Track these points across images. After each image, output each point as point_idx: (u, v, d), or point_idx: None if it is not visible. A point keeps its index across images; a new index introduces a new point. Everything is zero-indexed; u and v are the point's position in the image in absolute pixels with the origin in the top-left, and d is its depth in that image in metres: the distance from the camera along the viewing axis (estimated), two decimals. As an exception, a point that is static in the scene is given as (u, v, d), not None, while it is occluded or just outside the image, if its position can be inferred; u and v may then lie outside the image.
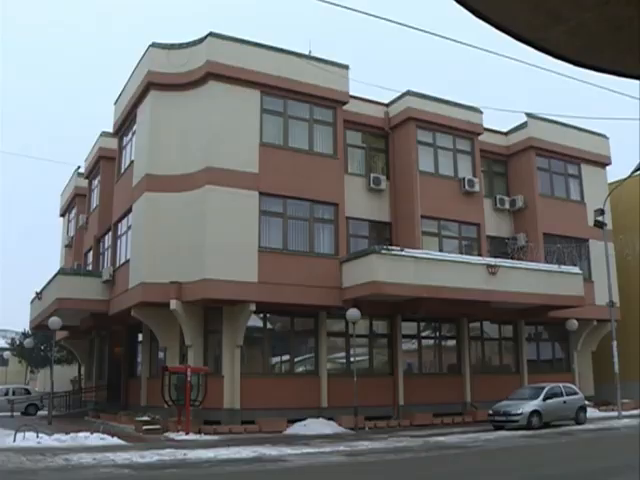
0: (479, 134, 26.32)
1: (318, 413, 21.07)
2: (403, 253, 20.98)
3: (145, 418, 20.51)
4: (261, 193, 21.21)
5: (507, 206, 27.82)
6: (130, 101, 23.96)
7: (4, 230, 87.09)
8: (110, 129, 27.46)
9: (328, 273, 21.56)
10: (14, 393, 32.95)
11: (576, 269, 25.08)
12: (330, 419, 20.72)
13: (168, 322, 21.35)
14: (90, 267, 30.20)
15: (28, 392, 34.51)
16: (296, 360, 22.75)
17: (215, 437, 18.34)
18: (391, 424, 21.93)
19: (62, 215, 37.98)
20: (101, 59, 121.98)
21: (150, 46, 22.33)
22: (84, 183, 32.19)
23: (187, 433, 18.38)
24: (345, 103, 23.38)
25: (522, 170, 28.27)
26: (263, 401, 20.54)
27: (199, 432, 18.86)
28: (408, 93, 25.03)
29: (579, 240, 28.43)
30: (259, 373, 21.53)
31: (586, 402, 22.74)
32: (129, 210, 23.49)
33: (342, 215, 22.62)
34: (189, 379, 19.06)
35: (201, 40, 21.56)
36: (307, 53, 23.07)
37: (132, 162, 23.63)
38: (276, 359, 22.81)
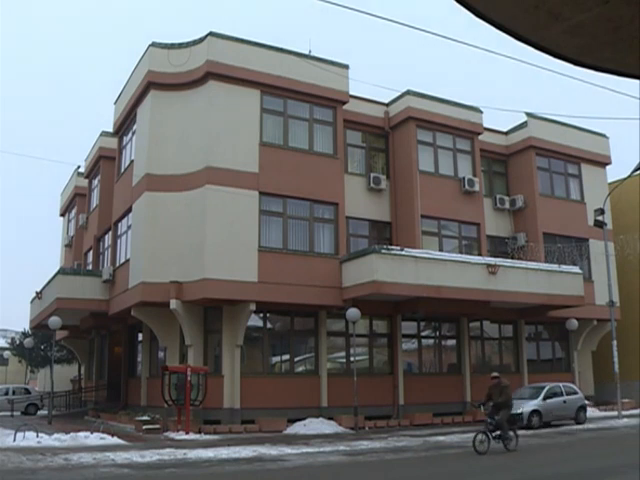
0: (479, 134, 26.32)
1: (318, 413, 21.08)
2: (403, 253, 20.99)
3: (145, 418, 20.53)
4: (261, 193, 21.22)
5: (507, 206, 27.82)
6: (130, 101, 23.96)
7: (4, 230, 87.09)
8: (110, 129, 27.49)
9: (328, 273, 21.56)
10: (14, 393, 32.94)
11: (576, 269, 25.08)
12: (330, 419, 20.72)
13: (168, 322, 21.37)
14: (90, 267, 30.20)
15: (28, 392, 34.51)
16: (296, 360, 22.75)
17: (215, 437, 18.34)
18: (391, 424, 21.93)
19: (62, 215, 37.99)
20: (101, 59, 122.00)
21: (150, 46, 22.33)
22: (84, 183, 32.20)
23: (187, 433, 18.38)
24: (345, 103, 23.38)
25: (522, 170, 28.28)
26: (263, 401, 20.55)
27: (199, 432, 18.86)
28: (408, 93, 25.03)
29: (579, 240, 28.43)
30: (259, 373, 21.53)
31: (586, 402, 22.74)
32: (129, 210, 23.49)
33: (342, 215, 22.62)
34: (189, 379, 19.06)
35: (201, 40, 21.56)
36: (307, 53, 23.07)
37: (132, 162, 23.63)
38: (276, 359, 22.81)
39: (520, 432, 18.93)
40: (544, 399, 20.87)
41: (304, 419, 20.32)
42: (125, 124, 25.29)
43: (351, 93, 23.56)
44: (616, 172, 31.22)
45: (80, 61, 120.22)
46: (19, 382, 41.67)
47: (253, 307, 20.29)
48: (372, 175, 24.52)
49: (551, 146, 28.33)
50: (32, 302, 31.53)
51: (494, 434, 13.98)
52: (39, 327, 30.52)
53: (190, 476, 11.76)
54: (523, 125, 28.51)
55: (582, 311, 25.73)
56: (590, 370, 29.18)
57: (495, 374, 15.52)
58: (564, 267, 24.72)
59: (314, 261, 21.64)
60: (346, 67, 23.21)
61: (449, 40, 11.64)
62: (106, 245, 27.99)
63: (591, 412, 23.68)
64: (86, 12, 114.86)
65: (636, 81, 1.62)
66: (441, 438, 17.60)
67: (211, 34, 21.38)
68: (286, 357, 22.61)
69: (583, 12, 1.39)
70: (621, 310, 28.52)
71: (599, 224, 24.72)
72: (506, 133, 29.07)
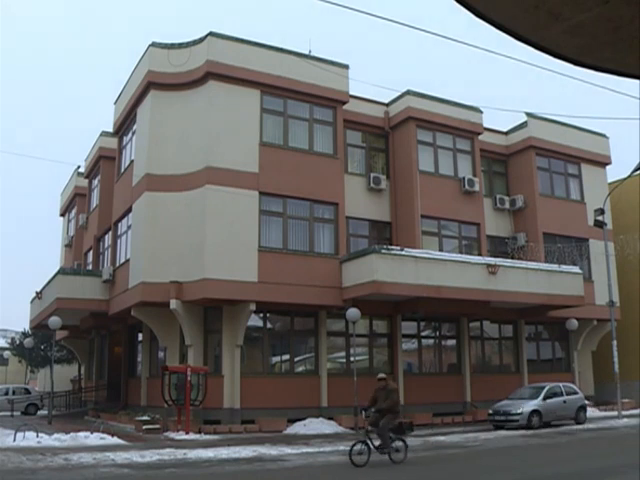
0: (479, 134, 26.32)
1: (318, 413, 21.08)
2: (403, 253, 20.99)
3: (145, 418, 20.53)
4: (261, 193, 21.22)
5: (507, 206, 27.82)
6: (130, 101, 23.97)
7: (4, 230, 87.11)
8: (110, 129, 27.49)
9: (328, 273, 21.56)
10: (14, 393, 32.95)
11: (576, 269, 25.08)
12: (330, 419, 20.73)
13: (168, 322, 21.37)
14: (90, 267, 30.20)
15: (28, 392, 34.51)
16: (296, 360, 22.75)
17: (215, 437, 18.34)
18: (391, 424, 21.91)
19: (62, 215, 38.00)
20: (101, 59, 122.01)
21: (150, 46, 22.34)
22: (84, 183, 32.21)
23: (187, 433, 18.38)
24: (345, 103, 23.38)
25: (522, 170, 28.27)
26: (263, 401, 20.55)
27: (199, 432, 18.86)
28: (408, 93, 25.03)
29: (579, 240, 28.44)
30: (259, 373, 21.53)
31: (586, 402, 22.74)
32: (129, 210, 23.50)
33: (342, 215, 22.62)
34: (189, 379, 19.06)
35: (201, 40, 21.56)
36: (307, 53, 23.08)
37: (132, 162, 23.64)
38: (276, 359, 22.81)
39: (520, 432, 19.03)
40: (544, 399, 20.86)
41: (304, 419, 20.32)
42: (125, 124, 25.29)
43: (351, 93, 23.56)
44: (616, 172, 31.26)
45: (80, 61, 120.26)
46: (19, 382, 41.67)
47: (253, 307, 20.29)
48: (372, 175, 24.52)
49: (551, 146, 28.33)
50: (32, 302, 31.53)
51: (376, 444, 12.38)
52: (39, 327, 30.53)
53: (190, 476, 11.76)
54: (523, 125, 28.50)
55: (582, 311, 25.73)
56: (590, 370, 29.18)
57: (381, 375, 13.62)
58: (564, 267, 24.72)
59: (314, 261, 21.64)
60: (346, 67, 23.21)
61: (449, 40, 11.65)
62: (106, 245, 28.00)
63: (591, 412, 23.68)
64: (86, 12, 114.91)
65: (636, 81, 1.62)
66: (441, 438, 17.60)
67: (211, 34, 21.38)
68: (286, 357, 22.61)
69: (583, 12, 1.39)
70: (621, 310, 28.52)
71: (599, 224, 24.71)
72: (506, 133, 29.06)
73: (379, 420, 12.53)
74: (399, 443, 12.59)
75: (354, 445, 12.14)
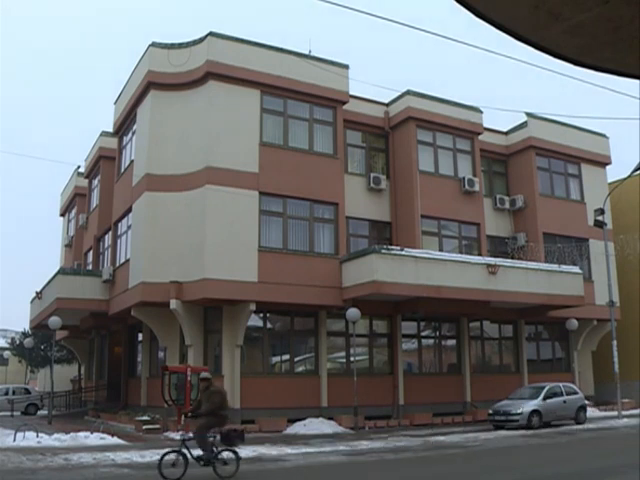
0: (479, 134, 26.31)
1: (318, 413, 21.07)
2: (403, 253, 20.99)
3: (145, 418, 20.54)
4: (261, 193, 21.22)
5: (507, 206, 27.82)
6: (130, 101, 23.97)
7: (4, 230, 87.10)
8: (110, 129, 27.49)
9: (328, 273, 21.56)
10: (14, 393, 32.94)
11: (576, 269, 25.08)
12: (330, 419, 20.72)
13: (168, 322, 21.37)
14: (90, 267, 30.20)
15: (28, 392, 34.51)
16: (296, 360, 22.75)
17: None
18: (391, 424, 21.94)
19: (62, 215, 38.00)
20: (101, 59, 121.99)
21: (150, 46, 22.34)
22: (84, 183, 32.22)
23: (187, 432, 18.34)
24: (345, 103, 23.38)
25: (522, 170, 28.27)
26: (263, 400, 20.55)
27: (199, 432, 18.82)
28: (408, 93, 25.03)
29: (579, 240, 28.44)
30: (259, 373, 21.53)
31: (586, 402, 22.74)
32: (129, 210, 23.50)
33: (342, 215, 22.62)
34: (189, 379, 19.05)
35: (201, 40, 21.57)
36: (307, 53, 23.08)
37: (132, 162, 23.64)
38: (276, 359, 22.81)
39: (520, 432, 19.02)
40: (544, 399, 20.86)
41: (304, 419, 20.31)
42: (125, 124, 25.29)
43: (351, 93, 23.56)
44: (616, 172, 31.28)
45: (80, 61, 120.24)
46: (19, 382, 41.67)
47: (253, 307, 20.30)
48: (372, 175, 24.52)
49: (551, 146, 28.33)
50: (32, 302, 31.53)
51: (196, 454, 10.75)
52: (39, 327, 30.53)
53: (190, 476, 11.75)
54: (523, 125, 28.50)
55: (582, 311, 25.73)
56: (590, 370, 29.19)
57: (204, 375, 11.75)
58: (564, 267, 24.72)
59: (314, 261, 21.64)
60: (346, 67, 23.21)
61: (449, 40, 11.65)
62: (106, 245, 28.00)
63: (591, 412, 23.68)
64: (86, 12, 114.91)
65: (636, 81, 1.62)
66: (441, 438, 17.60)
67: (211, 34, 21.38)
68: (286, 357, 22.61)
69: (583, 12, 1.39)
70: (621, 310, 28.52)
71: (599, 224, 24.70)
72: (506, 133, 29.06)
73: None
74: (228, 454, 10.93)
75: (165, 455, 10.41)
